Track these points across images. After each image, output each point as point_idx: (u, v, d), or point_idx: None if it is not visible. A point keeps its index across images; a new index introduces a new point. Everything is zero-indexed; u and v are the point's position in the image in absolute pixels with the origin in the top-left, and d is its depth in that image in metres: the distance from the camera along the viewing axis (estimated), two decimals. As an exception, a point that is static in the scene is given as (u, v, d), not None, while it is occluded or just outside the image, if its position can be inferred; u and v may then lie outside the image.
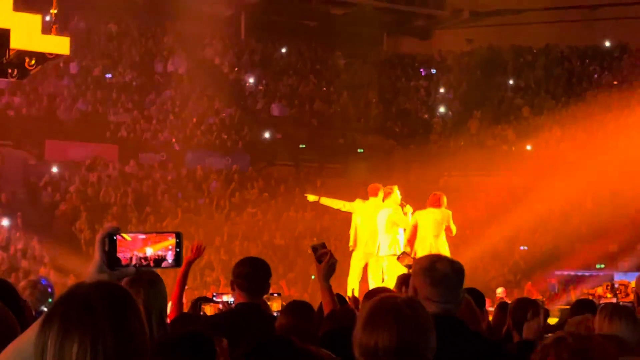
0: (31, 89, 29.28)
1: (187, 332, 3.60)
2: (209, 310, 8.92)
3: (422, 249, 12.50)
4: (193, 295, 13.06)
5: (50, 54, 15.12)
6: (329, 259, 4.94)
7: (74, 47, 31.82)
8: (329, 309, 5.33)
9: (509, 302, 10.73)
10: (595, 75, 34.00)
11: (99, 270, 2.75)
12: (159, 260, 2.82)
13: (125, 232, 2.80)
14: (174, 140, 30.18)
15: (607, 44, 36.42)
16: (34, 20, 13.13)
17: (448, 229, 13.32)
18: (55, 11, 14.88)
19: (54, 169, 27.69)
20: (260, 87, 34.87)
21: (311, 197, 15.12)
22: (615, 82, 32.73)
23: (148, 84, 32.58)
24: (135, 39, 34.66)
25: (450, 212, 13.31)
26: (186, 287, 12.84)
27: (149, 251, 2.81)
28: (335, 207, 14.52)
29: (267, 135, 32.84)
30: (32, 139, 28.03)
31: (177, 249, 2.84)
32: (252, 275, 5.67)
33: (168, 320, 6.45)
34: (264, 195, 28.08)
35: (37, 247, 22.96)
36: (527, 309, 6.01)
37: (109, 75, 32.19)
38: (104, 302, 2.33)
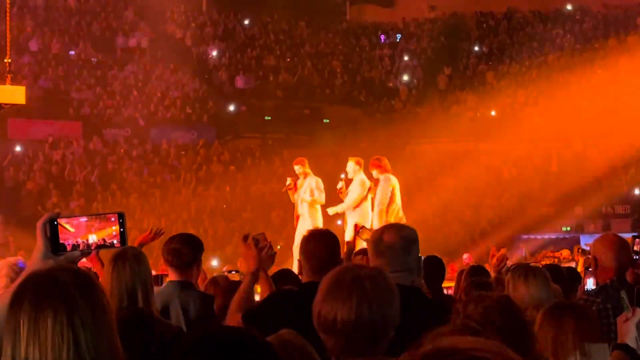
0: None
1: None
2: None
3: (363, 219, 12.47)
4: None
5: (6, 104, 14.85)
6: (268, 251, 4.95)
7: (34, 24, 31.59)
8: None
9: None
10: (558, 39, 34.12)
11: (43, 257, 2.71)
12: (103, 245, 2.81)
13: (66, 217, 2.77)
14: (137, 115, 29.97)
15: (569, 7, 36.54)
16: (-13, 70, 12.86)
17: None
18: (9, 60, 14.59)
19: (17, 148, 27.43)
20: (224, 60, 34.66)
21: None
22: (577, 46, 32.87)
23: (110, 59, 32.28)
24: (96, 14, 34.27)
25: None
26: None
27: (92, 238, 2.79)
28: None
29: (232, 107, 32.71)
30: (-6, 118, 27.75)
31: (121, 229, 2.82)
32: (180, 251, 5.59)
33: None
34: (231, 169, 28.01)
35: (1, 228, 22.76)
36: (481, 274, 6.06)
37: (72, 52, 31.86)
38: (71, 277, 2.31)
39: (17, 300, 2.29)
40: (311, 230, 5.12)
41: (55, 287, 2.28)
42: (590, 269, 5.85)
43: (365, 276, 2.98)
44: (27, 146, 27.52)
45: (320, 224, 13.29)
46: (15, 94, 14.58)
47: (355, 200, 12.95)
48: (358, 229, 8.43)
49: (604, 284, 5.42)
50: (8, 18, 15.85)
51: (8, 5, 15.81)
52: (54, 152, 27.13)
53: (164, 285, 5.87)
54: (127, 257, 4.68)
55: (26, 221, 22.87)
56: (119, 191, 25.64)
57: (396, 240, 4.02)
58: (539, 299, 5.06)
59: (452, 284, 9.15)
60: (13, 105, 15.35)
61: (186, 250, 5.58)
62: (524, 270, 5.38)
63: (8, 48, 15.43)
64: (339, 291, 2.95)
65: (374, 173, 12.90)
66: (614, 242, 5.47)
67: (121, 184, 26.16)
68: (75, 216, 2.84)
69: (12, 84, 14.46)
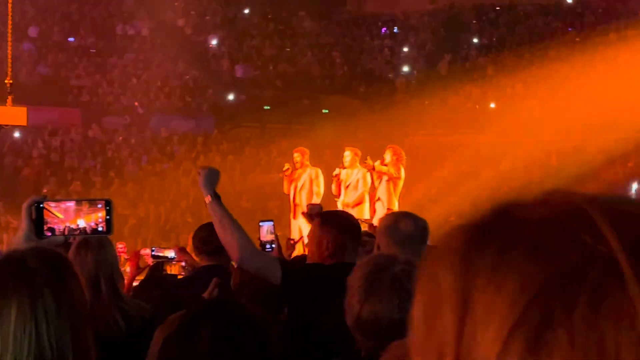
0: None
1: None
2: (174, 270, 8.87)
3: None
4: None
5: (7, 125, 14.82)
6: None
7: (33, 10, 31.51)
8: None
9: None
10: (558, 32, 34.07)
11: (26, 239, 2.68)
12: (93, 231, 2.81)
13: (54, 201, 2.76)
14: (137, 103, 29.94)
15: (569, 0, 36.49)
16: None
17: None
18: (11, 81, 14.56)
19: (16, 134, 27.38)
20: (224, 49, 34.61)
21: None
22: (577, 39, 32.81)
23: (110, 47, 32.22)
24: (96, 1, 34.19)
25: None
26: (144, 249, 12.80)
27: (81, 223, 2.78)
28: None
29: (231, 97, 32.65)
30: (-7, 105, 27.65)
31: (108, 217, 2.81)
32: (207, 239, 5.67)
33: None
34: (229, 158, 27.98)
35: (1, 214, 22.77)
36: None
37: (71, 39, 31.80)
38: (41, 264, 2.23)
39: None
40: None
41: (23, 275, 2.19)
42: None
43: (401, 271, 2.91)
44: (25, 133, 27.47)
45: None
46: (16, 115, 14.53)
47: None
48: None
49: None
50: (10, 32, 15.80)
51: (10, 12, 15.74)
52: (53, 139, 27.10)
53: (197, 269, 5.96)
54: (90, 245, 4.61)
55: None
56: (117, 179, 25.62)
57: (414, 229, 4.01)
58: None
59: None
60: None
61: (214, 238, 5.63)
62: None
63: (9, 69, 15.39)
64: (379, 292, 2.87)
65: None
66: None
67: (120, 171, 26.14)
68: (63, 200, 2.83)
69: (13, 105, 14.37)
